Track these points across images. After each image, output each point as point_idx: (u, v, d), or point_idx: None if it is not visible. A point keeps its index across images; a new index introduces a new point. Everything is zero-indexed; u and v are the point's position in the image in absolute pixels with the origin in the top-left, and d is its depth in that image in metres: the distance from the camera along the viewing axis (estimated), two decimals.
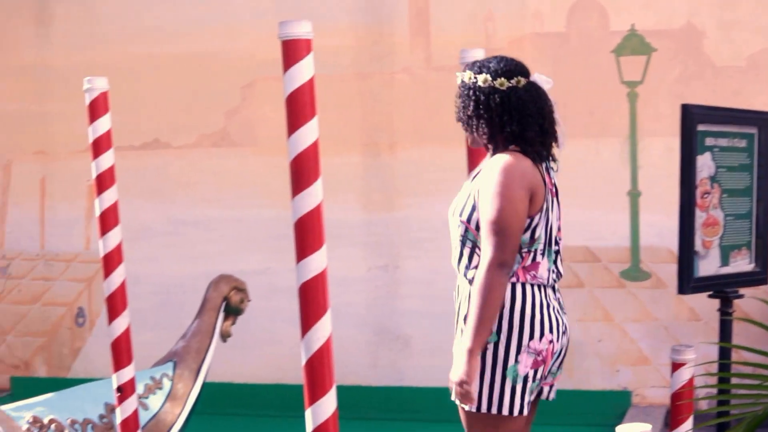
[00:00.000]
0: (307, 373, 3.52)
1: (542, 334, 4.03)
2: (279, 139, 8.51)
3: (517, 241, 3.96)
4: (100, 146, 4.92)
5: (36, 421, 5.17)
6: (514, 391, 4.02)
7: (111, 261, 4.93)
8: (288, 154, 3.42)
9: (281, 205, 8.45)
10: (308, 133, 3.39)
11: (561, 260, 4.20)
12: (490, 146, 4.19)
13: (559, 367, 4.22)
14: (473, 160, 4.62)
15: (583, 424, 7.87)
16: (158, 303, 8.68)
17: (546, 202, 4.06)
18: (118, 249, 4.94)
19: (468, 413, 4.11)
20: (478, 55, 4.51)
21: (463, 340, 3.97)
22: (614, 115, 8.02)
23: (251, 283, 6.63)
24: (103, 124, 4.91)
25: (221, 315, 6.44)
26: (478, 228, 4.03)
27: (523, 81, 4.11)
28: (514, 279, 4.03)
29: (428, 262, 8.23)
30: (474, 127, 4.17)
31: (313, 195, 3.37)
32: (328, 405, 3.56)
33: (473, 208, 4.06)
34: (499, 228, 3.92)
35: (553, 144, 4.20)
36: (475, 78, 4.14)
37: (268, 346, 8.60)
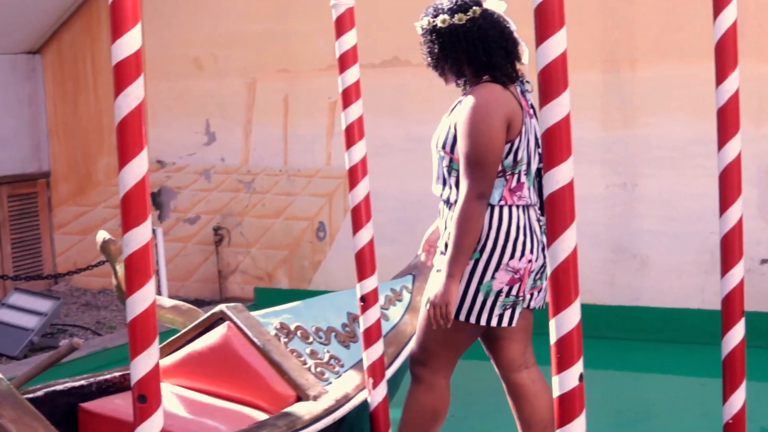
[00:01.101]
0: (552, 284, 3.53)
1: (522, 254, 4.27)
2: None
3: (494, 172, 4.15)
4: (346, 61, 5.00)
5: (283, 327, 5.35)
6: (484, 303, 4.31)
7: (355, 174, 5.03)
8: (536, 65, 3.42)
9: None
10: (556, 44, 3.38)
11: (540, 180, 4.37)
12: (460, 82, 4.42)
13: (541, 277, 4.46)
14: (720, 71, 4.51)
15: None
16: (396, 218, 8.81)
17: (524, 125, 4.22)
18: (362, 162, 5.04)
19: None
20: None
21: (444, 266, 4.21)
22: None
23: None
24: (349, 39, 4.98)
25: None
26: None
27: (478, 10, 4.28)
28: (502, 202, 4.26)
29: (668, 181, 8.10)
30: (443, 68, 4.41)
31: (562, 105, 3.36)
32: (571, 316, 3.57)
33: (455, 140, 4.25)
34: (477, 160, 4.13)
35: (516, 63, 4.36)
36: (434, 21, 4.33)
37: None
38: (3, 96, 10.32)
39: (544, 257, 4.43)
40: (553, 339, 3.59)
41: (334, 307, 5.76)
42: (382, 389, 5.18)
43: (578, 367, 3.55)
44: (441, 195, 4.42)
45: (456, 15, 4.26)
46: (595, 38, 8.26)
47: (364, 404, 5.18)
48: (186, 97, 9.80)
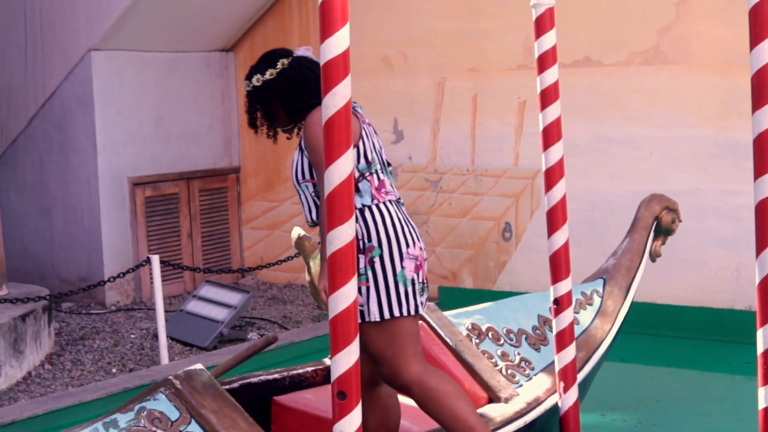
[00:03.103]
0: (760, 293, 3.45)
1: (414, 242, 4.49)
2: (714, 56, 8.31)
3: None
4: (545, 61, 4.95)
5: (474, 328, 5.35)
6: (407, 294, 4.41)
7: (552, 175, 4.99)
8: (750, 68, 3.34)
9: (713, 124, 8.26)
10: None
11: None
12: (284, 128, 4.69)
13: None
14: None
15: None
16: (584, 220, 8.70)
17: (364, 130, 4.53)
18: (559, 163, 4.99)
19: (369, 325, 4.41)
20: None
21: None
22: None
23: (678, 203, 6.50)
24: (549, 39, 4.93)
25: (652, 234, 6.37)
26: None
27: (286, 61, 4.60)
28: (375, 201, 4.50)
29: None
30: (268, 123, 4.67)
31: None
32: None
33: (310, 166, 4.51)
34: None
35: None
36: (250, 83, 4.63)
37: (693, 267, 8.46)
38: (197, 93, 10.59)
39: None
40: (760, 349, 3.49)
41: (525, 309, 5.73)
42: (573, 393, 5.13)
43: None
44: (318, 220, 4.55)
45: (267, 71, 4.59)
46: None
47: (555, 408, 5.14)
48: (374, 96, 9.88)
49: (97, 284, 8.51)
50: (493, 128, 9.29)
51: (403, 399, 5.11)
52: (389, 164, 4.68)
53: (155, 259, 7.84)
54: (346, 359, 3.51)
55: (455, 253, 9.57)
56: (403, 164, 9.81)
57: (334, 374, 3.52)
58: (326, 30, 3.44)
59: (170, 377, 4.10)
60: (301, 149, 4.54)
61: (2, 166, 10.18)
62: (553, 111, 5.00)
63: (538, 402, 5.03)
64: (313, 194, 4.52)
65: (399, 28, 9.75)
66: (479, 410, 4.82)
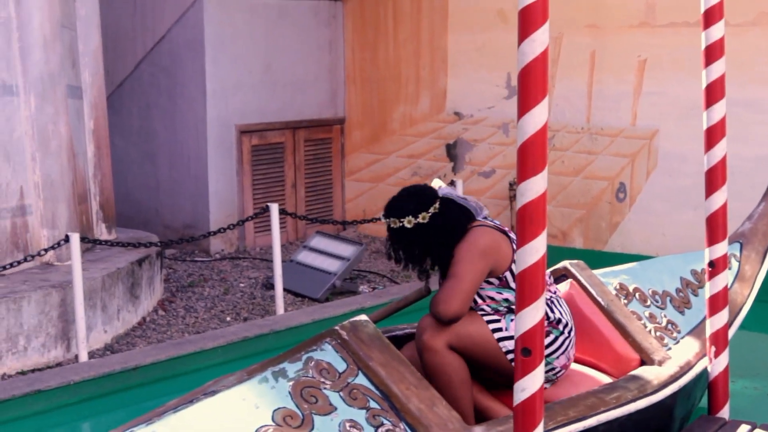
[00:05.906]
0: None
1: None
2: None
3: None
4: (711, 17, 4.79)
5: (622, 288, 5.22)
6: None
7: (714, 134, 4.83)
8: None
9: None
10: None
11: None
12: (437, 269, 4.50)
13: None
14: None
15: None
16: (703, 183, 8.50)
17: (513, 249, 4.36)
18: (721, 123, 4.83)
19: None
20: None
21: None
22: None
23: None
24: None
25: None
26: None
27: (437, 204, 4.42)
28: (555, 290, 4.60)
29: None
30: (420, 262, 4.50)
31: None
32: None
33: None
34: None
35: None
36: (401, 223, 4.42)
37: None
38: (305, 42, 10.49)
39: None
40: None
41: (668, 270, 5.60)
42: (724, 358, 5.01)
43: None
44: None
45: (420, 214, 4.39)
46: None
47: (703, 373, 5.01)
48: (488, 49, 9.72)
49: (217, 231, 8.30)
50: (610, 86, 9.10)
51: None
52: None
53: (274, 208, 7.77)
54: (533, 315, 3.39)
55: (566, 212, 9.42)
56: (514, 120, 9.62)
57: (519, 331, 3.41)
58: None
59: (336, 328, 4.02)
60: None
61: (107, 109, 10.15)
62: (718, 68, 4.83)
63: (689, 366, 4.89)
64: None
65: None
66: (634, 372, 4.71)
